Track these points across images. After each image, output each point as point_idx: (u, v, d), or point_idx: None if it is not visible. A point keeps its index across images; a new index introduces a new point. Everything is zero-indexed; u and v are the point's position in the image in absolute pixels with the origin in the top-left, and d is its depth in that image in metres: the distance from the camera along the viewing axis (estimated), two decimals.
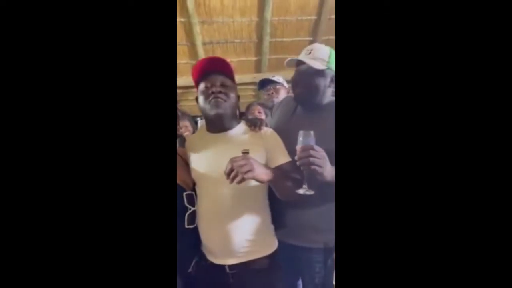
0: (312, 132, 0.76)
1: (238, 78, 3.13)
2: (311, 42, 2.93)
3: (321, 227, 0.94)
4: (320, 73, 0.95)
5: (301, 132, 0.77)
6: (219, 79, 0.88)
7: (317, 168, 0.74)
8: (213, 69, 0.88)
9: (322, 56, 0.96)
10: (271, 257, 0.89)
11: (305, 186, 0.78)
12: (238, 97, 0.95)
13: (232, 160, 0.72)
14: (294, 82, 1.00)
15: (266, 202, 0.92)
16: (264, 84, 1.77)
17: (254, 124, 0.93)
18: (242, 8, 2.59)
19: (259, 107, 1.63)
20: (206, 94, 0.87)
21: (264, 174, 0.76)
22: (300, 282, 1.10)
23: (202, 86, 0.90)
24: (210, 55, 2.94)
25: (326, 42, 3.09)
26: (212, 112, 0.87)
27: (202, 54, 2.88)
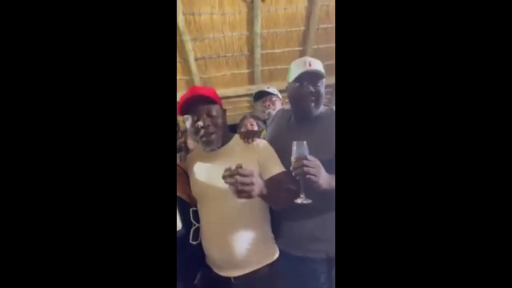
0: (305, 142, 0.78)
1: (232, 90, 3.17)
2: (301, 52, 2.99)
3: (323, 237, 0.94)
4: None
5: (294, 143, 0.79)
6: (204, 109, 0.89)
7: (312, 177, 0.75)
8: (197, 101, 0.90)
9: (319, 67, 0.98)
10: (273, 265, 0.91)
11: (302, 195, 0.80)
12: (225, 111, 0.98)
13: (237, 174, 0.71)
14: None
15: (266, 213, 0.94)
16: (260, 96, 1.81)
17: (247, 137, 0.95)
18: (232, 23, 2.65)
19: (251, 120, 1.66)
20: (195, 129, 0.89)
21: (262, 189, 0.76)
22: None
23: (189, 120, 0.91)
24: (203, 70, 2.99)
25: (316, 51, 3.16)
26: (206, 148, 0.91)
27: (195, 70, 2.93)
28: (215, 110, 0.91)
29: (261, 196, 0.79)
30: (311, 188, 0.78)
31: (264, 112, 1.76)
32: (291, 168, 0.78)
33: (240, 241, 0.86)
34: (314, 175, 0.75)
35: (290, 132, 1.02)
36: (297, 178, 0.78)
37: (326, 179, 0.78)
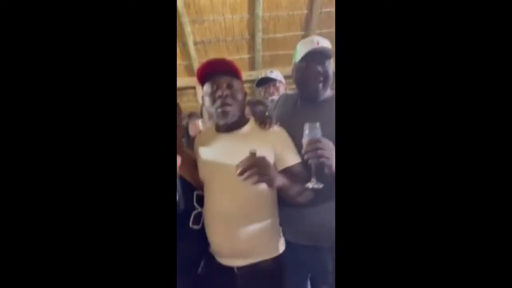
0: (318, 124, 0.74)
1: None
2: (304, 36, 2.91)
3: (330, 225, 0.92)
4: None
5: (306, 125, 0.75)
6: (226, 80, 0.85)
7: (325, 160, 0.72)
8: (219, 70, 0.85)
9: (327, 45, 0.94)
10: (278, 258, 0.88)
11: (313, 179, 0.77)
12: (245, 93, 0.92)
13: (252, 159, 0.70)
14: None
15: (275, 204, 0.90)
16: (264, 82, 1.75)
17: (264, 122, 0.90)
18: (232, 5, 2.56)
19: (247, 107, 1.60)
20: (213, 98, 0.84)
21: (277, 180, 0.74)
22: (308, 283, 1.08)
23: (207, 87, 0.86)
24: (202, 54, 2.91)
25: (319, 36, 3.08)
26: (220, 122, 0.86)
27: (194, 54, 2.85)
28: (236, 83, 0.87)
29: (279, 187, 0.76)
30: (323, 172, 0.76)
31: (265, 98, 1.70)
32: (302, 151, 0.75)
33: (246, 231, 0.82)
34: (328, 158, 0.72)
35: (297, 117, 0.97)
36: (309, 161, 0.75)
37: None
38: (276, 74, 1.74)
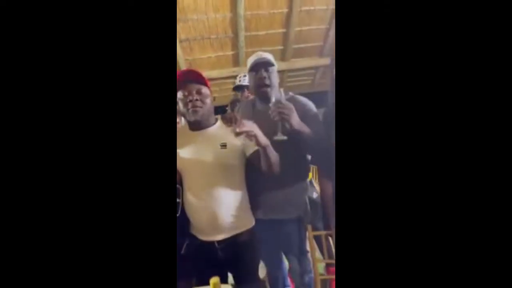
0: (282, 90, 0.97)
1: (217, 72, 3.21)
2: (284, 34, 3.06)
3: (293, 202, 1.14)
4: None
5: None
6: (195, 87, 1.02)
7: (285, 117, 0.93)
8: (189, 79, 1.03)
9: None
10: (251, 231, 1.06)
11: (279, 133, 0.96)
12: (214, 98, 1.10)
13: (241, 119, 0.88)
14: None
15: (244, 182, 1.08)
16: (239, 89, 2.13)
17: (230, 121, 1.08)
18: (215, 4, 2.66)
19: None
20: (185, 102, 1.03)
21: (262, 139, 0.91)
22: (282, 254, 1.27)
23: (180, 94, 1.05)
24: (188, 52, 3.00)
25: (299, 33, 3.22)
26: (191, 118, 1.03)
27: (180, 51, 2.93)
28: (204, 90, 1.05)
29: (265, 149, 0.93)
30: (285, 128, 0.97)
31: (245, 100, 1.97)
32: (269, 112, 0.96)
33: (223, 208, 0.99)
34: (288, 115, 0.94)
35: (256, 115, 1.18)
36: (275, 119, 0.96)
37: (297, 121, 0.97)
38: (247, 81, 1.96)
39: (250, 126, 0.88)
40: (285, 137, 0.96)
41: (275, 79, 1.15)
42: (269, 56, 1.16)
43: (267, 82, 1.12)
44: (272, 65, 1.15)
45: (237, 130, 0.85)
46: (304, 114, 1.04)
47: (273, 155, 0.97)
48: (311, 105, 1.14)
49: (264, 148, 0.93)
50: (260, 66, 1.13)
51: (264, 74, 1.12)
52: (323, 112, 1.15)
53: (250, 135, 0.87)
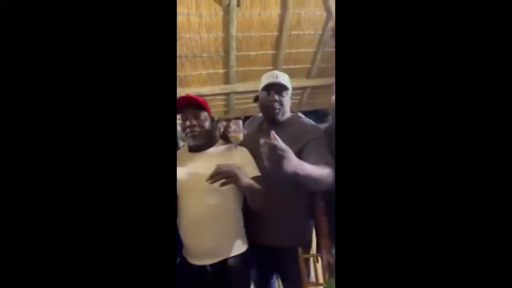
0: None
1: (208, 89, 3.23)
2: (274, 55, 3.18)
3: (287, 230, 1.10)
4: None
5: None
6: (193, 112, 1.05)
7: (274, 159, 0.85)
8: (188, 104, 1.06)
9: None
10: (243, 255, 1.05)
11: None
12: (212, 119, 1.13)
13: (219, 166, 0.87)
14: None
15: (239, 206, 1.08)
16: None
17: (225, 135, 1.11)
18: (208, 25, 2.76)
19: (224, 122, 1.79)
20: (183, 127, 1.06)
21: (243, 181, 0.91)
22: (274, 279, 1.25)
23: (179, 119, 1.08)
24: (179, 68, 3.06)
25: (288, 55, 3.34)
26: (190, 143, 1.07)
27: None
28: (203, 115, 1.07)
29: (247, 189, 0.94)
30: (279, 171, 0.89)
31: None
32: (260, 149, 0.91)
33: (216, 233, 1.00)
34: (279, 158, 0.84)
35: (261, 134, 1.16)
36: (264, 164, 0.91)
37: (293, 165, 0.86)
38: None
39: (229, 168, 0.87)
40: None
41: (287, 103, 1.12)
42: (285, 80, 1.11)
43: (277, 106, 1.10)
44: (287, 88, 1.11)
45: (216, 174, 0.85)
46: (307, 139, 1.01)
47: (257, 195, 0.97)
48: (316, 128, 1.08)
49: (245, 188, 0.93)
50: (274, 89, 1.10)
51: (276, 97, 1.10)
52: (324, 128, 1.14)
53: (230, 177, 0.86)
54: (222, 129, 1.72)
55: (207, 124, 1.07)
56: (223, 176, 0.86)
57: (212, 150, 1.09)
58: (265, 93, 1.13)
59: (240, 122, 1.06)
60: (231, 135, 1.02)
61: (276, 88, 1.11)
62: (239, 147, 1.09)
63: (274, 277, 1.24)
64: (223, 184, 0.86)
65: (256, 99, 1.93)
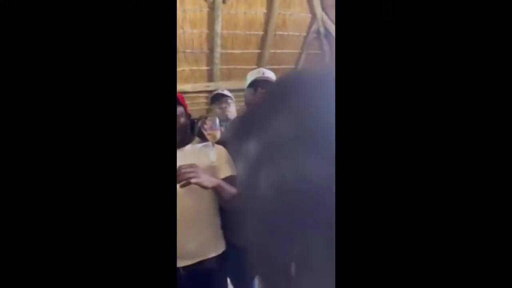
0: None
1: (191, 86, 3.17)
2: (259, 54, 3.17)
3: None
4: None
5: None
6: None
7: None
8: None
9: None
10: (220, 257, 1.03)
11: None
12: (189, 116, 1.09)
13: (180, 167, 0.85)
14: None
15: (217, 209, 1.05)
16: (217, 98, 1.91)
17: (202, 134, 1.08)
18: (192, 20, 2.70)
19: (206, 121, 1.75)
20: None
21: (207, 182, 0.89)
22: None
23: None
24: None
25: (273, 55, 3.35)
26: None
27: None
28: (178, 110, 1.03)
29: (215, 189, 0.92)
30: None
31: (222, 113, 1.85)
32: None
33: (191, 235, 0.97)
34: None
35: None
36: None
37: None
38: (227, 92, 1.91)
39: (191, 169, 0.85)
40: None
41: None
42: (271, 75, 1.12)
43: None
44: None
45: (181, 175, 0.83)
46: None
47: (227, 194, 0.94)
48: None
49: (213, 189, 0.91)
50: (261, 85, 1.09)
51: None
52: None
53: (190, 178, 0.84)
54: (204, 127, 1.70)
55: (182, 120, 1.03)
56: (183, 177, 0.83)
57: (188, 148, 1.05)
58: (251, 90, 1.12)
59: (217, 119, 1.03)
60: (208, 132, 0.99)
61: (262, 84, 1.09)
62: (217, 146, 1.06)
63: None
64: (183, 186, 0.84)
65: (213, 99, 1.89)
